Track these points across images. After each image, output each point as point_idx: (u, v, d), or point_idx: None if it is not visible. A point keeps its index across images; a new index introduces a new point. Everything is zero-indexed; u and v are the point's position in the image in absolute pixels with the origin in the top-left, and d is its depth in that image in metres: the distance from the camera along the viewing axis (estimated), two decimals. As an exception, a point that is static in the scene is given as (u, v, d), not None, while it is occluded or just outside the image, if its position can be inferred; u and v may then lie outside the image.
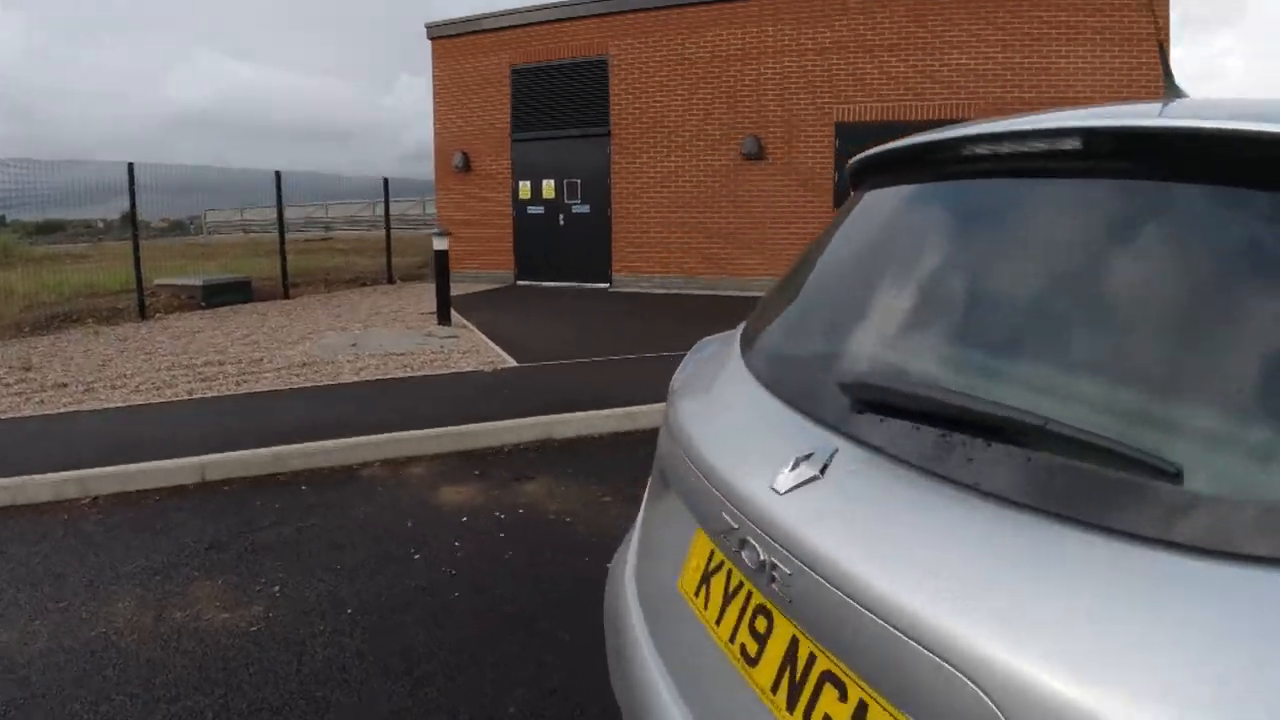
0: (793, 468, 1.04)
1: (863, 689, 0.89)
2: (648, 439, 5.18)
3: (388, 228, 14.91)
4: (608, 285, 12.73)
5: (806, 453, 1.04)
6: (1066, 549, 0.77)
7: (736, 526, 1.08)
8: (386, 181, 14.89)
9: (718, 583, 1.21)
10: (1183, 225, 0.93)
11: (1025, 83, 10.53)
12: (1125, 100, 1.42)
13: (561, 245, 13.28)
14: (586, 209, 13.13)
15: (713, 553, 1.24)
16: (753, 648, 1.09)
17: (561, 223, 13.35)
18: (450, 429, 4.90)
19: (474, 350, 7.60)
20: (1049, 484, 0.82)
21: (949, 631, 0.77)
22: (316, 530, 3.64)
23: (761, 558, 1.02)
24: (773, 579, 1.00)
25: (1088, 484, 0.79)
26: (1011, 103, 10.50)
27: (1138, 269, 0.97)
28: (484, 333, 8.51)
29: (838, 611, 0.90)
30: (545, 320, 9.55)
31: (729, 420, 1.28)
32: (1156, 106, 1.01)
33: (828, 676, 0.94)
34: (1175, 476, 0.75)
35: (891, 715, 0.83)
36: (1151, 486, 0.76)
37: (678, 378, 1.66)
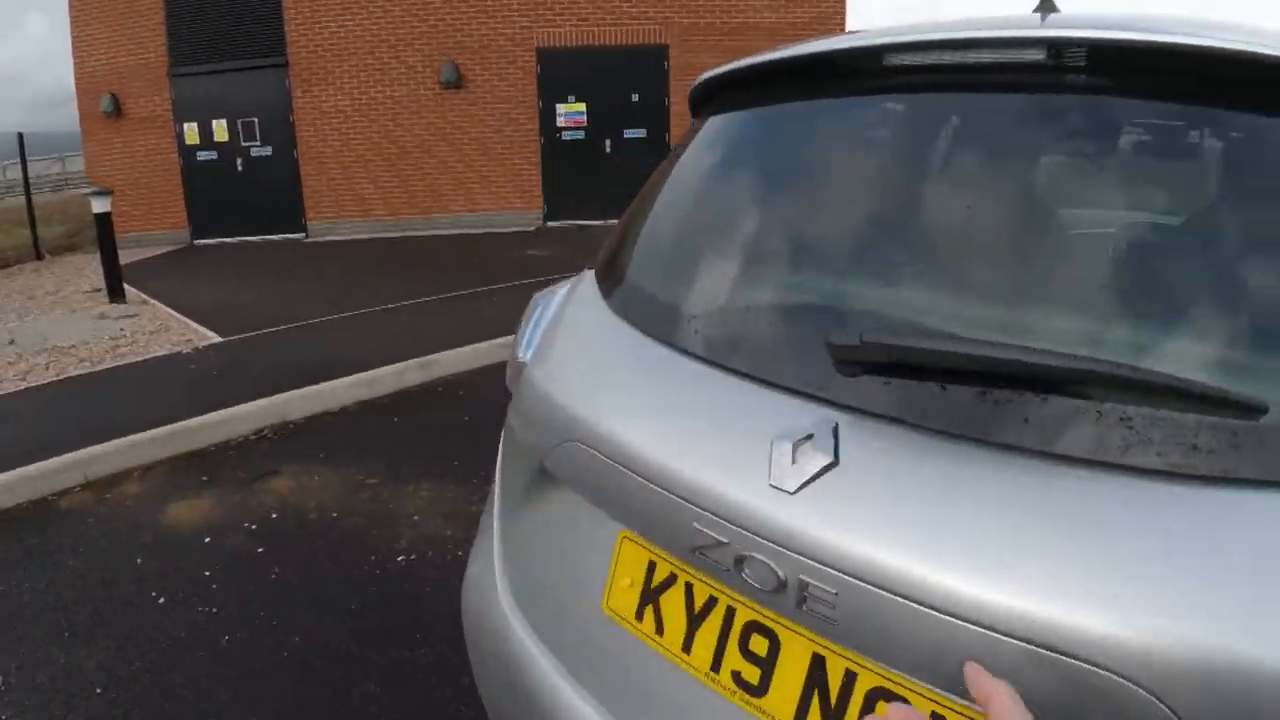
0: (793, 458, 0.85)
1: (936, 700, 0.76)
2: (396, 406, 4.78)
3: (28, 194, 11.98)
4: (303, 235, 11.41)
5: (801, 435, 0.86)
6: (1176, 506, 0.68)
7: (726, 541, 0.88)
8: (21, 137, 11.89)
9: (673, 602, 1.00)
10: (1168, 142, 0.86)
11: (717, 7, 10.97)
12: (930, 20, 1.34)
13: (243, 195, 11.60)
14: (268, 151, 11.55)
15: (653, 565, 1.03)
16: (753, 674, 0.91)
17: (240, 169, 11.63)
18: (161, 430, 4.05)
19: (163, 328, 6.41)
20: (1133, 436, 0.72)
21: (1088, 631, 0.65)
22: (22, 593, 2.81)
23: (781, 576, 0.83)
24: (803, 599, 0.82)
25: (1175, 431, 0.70)
26: (703, 29, 10.91)
27: (1125, 189, 0.90)
28: (170, 306, 7.21)
29: (911, 626, 0.74)
30: (240, 282, 8.33)
31: (654, 400, 1.06)
32: (1099, 17, 0.92)
33: (880, 694, 0.80)
34: (1261, 412, 0.68)
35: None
36: (1245, 427, 0.68)
37: (525, 351, 1.38)
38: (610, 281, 1.31)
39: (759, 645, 0.91)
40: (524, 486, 1.25)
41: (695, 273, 1.16)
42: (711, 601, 0.96)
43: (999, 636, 0.70)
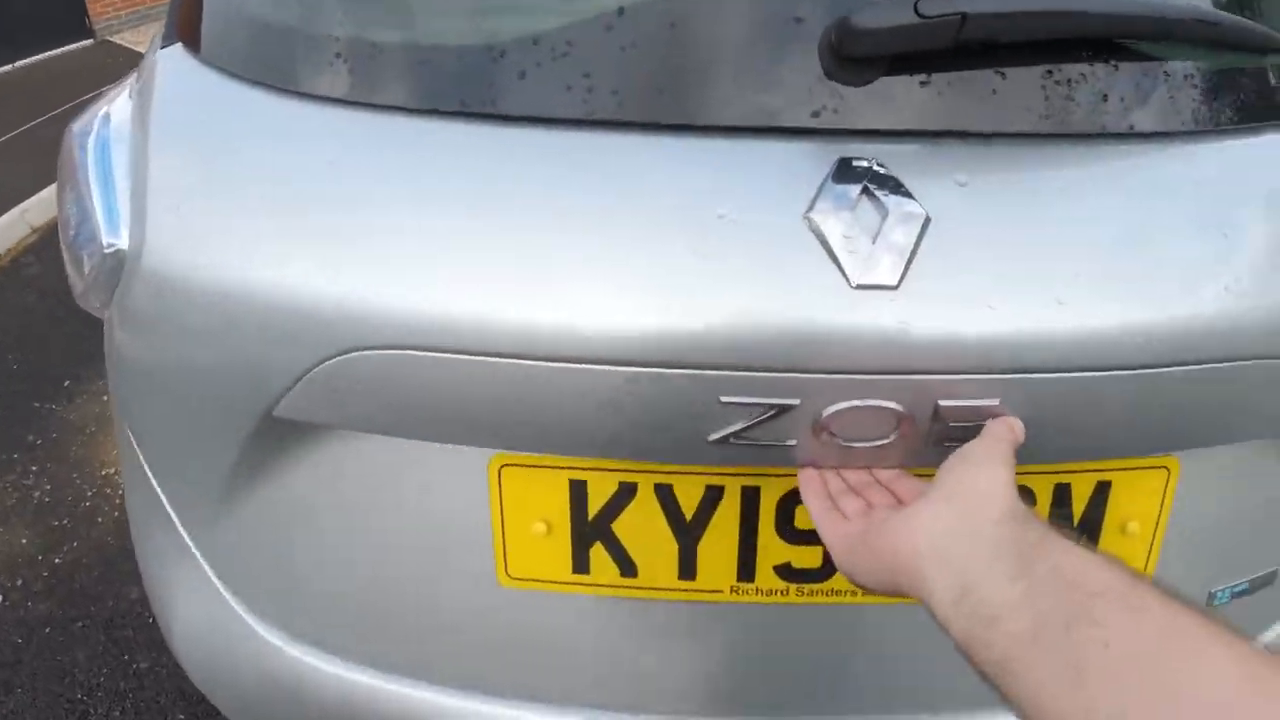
0: (862, 233, 0.51)
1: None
2: None
3: None
4: None
5: (847, 195, 0.52)
6: None
7: (795, 403, 0.53)
8: None
9: (641, 523, 0.63)
10: None
11: None
12: None
13: None
14: None
15: (581, 487, 0.63)
16: (811, 557, 0.64)
17: None
18: None
19: None
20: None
21: None
22: None
23: (903, 415, 0.53)
24: (936, 434, 0.54)
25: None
26: None
27: None
28: None
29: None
30: None
31: (519, 222, 0.55)
32: None
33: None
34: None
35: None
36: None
37: (111, 232, 0.66)
38: (252, 44, 0.66)
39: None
40: (232, 464, 0.66)
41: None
42: (714, 495, 0.62)
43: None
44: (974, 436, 0.52)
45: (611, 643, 0.68)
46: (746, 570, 0.64)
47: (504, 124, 0.56)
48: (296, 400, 0.59)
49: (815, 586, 0.64)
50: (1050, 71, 0.55)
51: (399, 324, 0.54)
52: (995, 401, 0.52)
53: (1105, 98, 0.55)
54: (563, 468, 0.62)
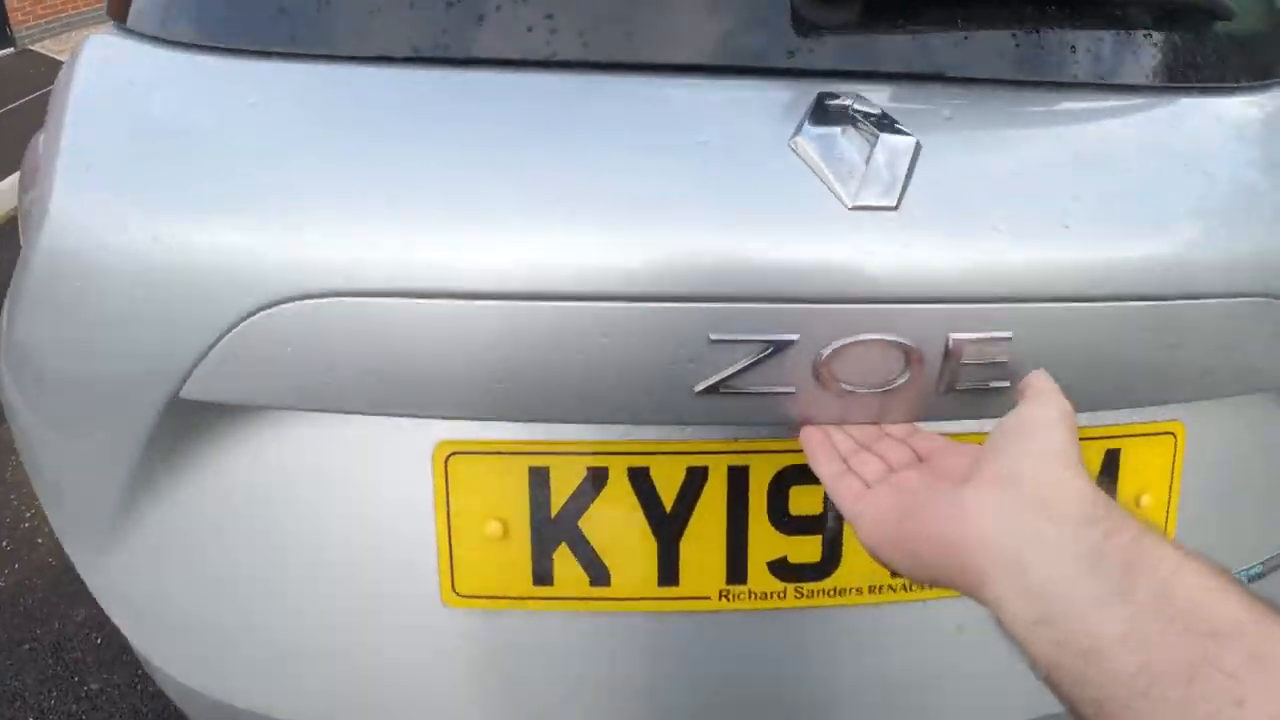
0: (852, 156, 0.48)
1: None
2: None
3: None
4: None
5: (826, 120, 0.49)
6: None
7: (794, 339, 0.47)
8: None
9: (609, 518, 0.55)
10: None
11: None
12: None
13: None
14: None
15: (542, 475, 0.54)
16: (809, 550, 0.56)
17: None
18: None
19: None
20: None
21: None
22: None
23: (912, 351, 0.47)
24: (948, 377, 0.48)
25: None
26: None
27: None
28: None
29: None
30: None
31: (479, 160, 0.49)
32: None
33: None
34: None
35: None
36: None
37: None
38: (167, 6, 0.59)
39: (807, 498, 0.55)
40: (129, 468, 0.54)
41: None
42: (697, 479, 0.54)
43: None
44: (992, 382, 0.47)
45: (579, 671, 0.57)
46: (737, 570, 0.56)
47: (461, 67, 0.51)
48: (211, 371, 0.49)
49: (815, 586, 0.56)
50: (1021, 19, 0.54)
51: (338, 266, 0.47)
52: (1008, 335, 0.48)
53: (1073, 48, 0.55)
54: (521, 453, 0.54)
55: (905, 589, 0.57)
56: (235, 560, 0.57)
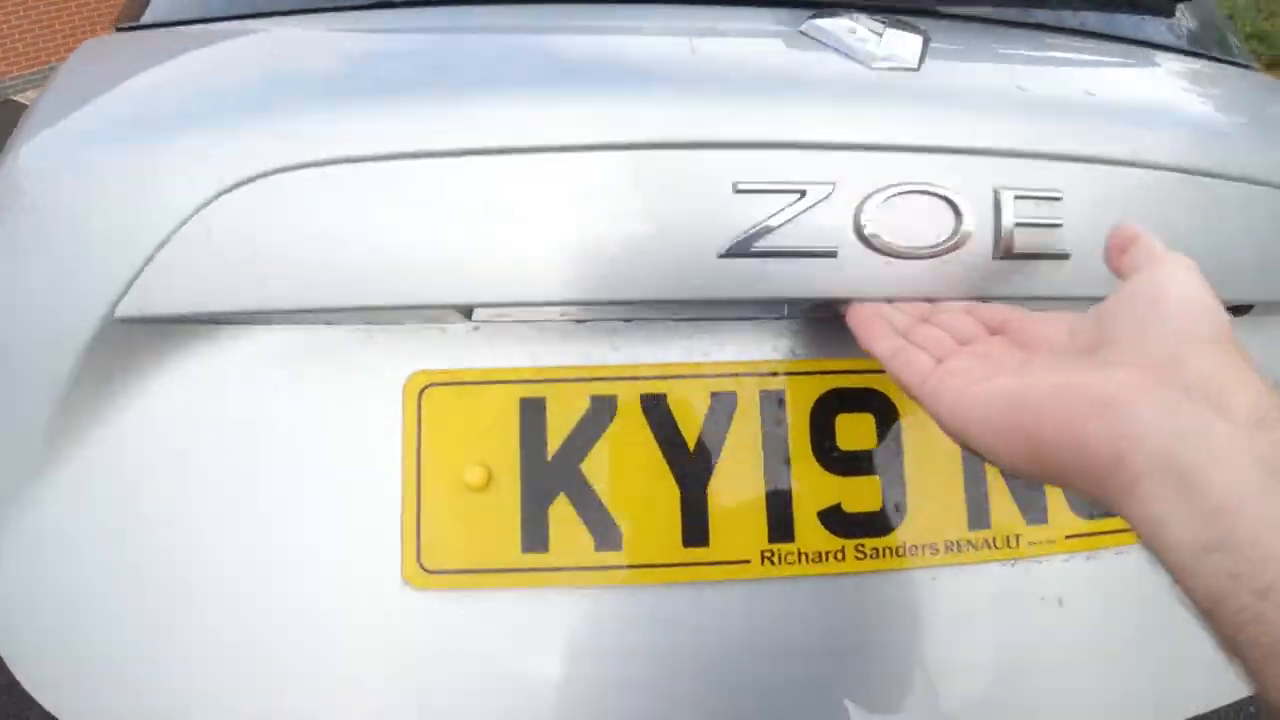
0: (863, 25, 0.46)
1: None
2: None
3: None
4: None
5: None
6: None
7: (828, 186, 0.41)
8: None
9: (619, 461, 0.45)
10: None
11: None
12: None
13: None
14: None
15: (536, 406, 0.45)
16: (868, 494, 0.46)
17: None
18: None
19: None
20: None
21: None
22: None
23: (960, 214, 0.42)
24: (1004, 242, 0.42)
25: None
26: None
27: None
28: None
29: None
30: None
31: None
32: None
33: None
34: None
35: None
36: None
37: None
38: None
39: (858, 428, 0.46)
40: (61, 393, 0.42)
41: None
42: (725, 406, 0.45)
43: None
44: (1054, 247, 0.42)
45: (580, 671, 0.42)
46: (781, 524, 0.44)
47: None
48: (162, 274, 0.41)
49: (879, 543, 0.45)
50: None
51: (326, 129, 0.41)
52: (1059, 193, 0.43)
53: None
54: (512, 381, 0.44)
55: (989, 545, 0.45)
56: (104, 564, 0.43)
